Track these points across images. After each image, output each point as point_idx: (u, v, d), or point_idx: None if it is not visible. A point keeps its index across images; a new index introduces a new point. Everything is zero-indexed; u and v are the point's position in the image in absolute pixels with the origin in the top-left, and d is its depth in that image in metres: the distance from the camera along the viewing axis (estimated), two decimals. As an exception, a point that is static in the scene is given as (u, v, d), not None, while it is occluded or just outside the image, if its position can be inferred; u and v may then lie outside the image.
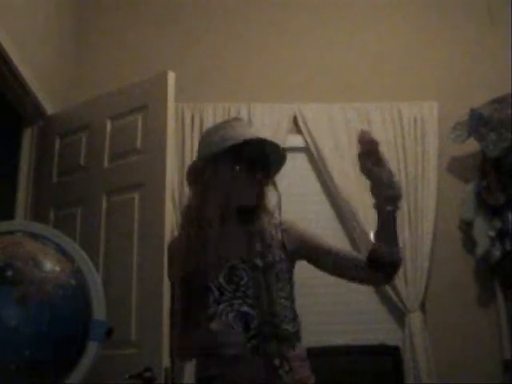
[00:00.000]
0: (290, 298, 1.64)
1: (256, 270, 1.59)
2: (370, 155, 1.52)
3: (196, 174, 1.70)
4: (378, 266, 1.57)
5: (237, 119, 1.81)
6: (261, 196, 1.69)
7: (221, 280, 1.58)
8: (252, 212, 1.68)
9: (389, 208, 1.55)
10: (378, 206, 1.57)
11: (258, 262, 1.60)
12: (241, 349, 1.53)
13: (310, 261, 1.69)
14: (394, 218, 1.57)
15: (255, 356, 1.53)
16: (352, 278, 1.67)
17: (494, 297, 3.05)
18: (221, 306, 1.56)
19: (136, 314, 2.33)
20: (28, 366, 1.28)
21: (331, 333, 3.02)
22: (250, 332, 1.54)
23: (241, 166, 1.65)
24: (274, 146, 1.69)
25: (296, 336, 1.60)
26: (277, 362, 1.53)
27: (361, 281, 1.69)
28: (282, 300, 1.59)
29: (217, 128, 1.73)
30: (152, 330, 2.26)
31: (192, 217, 1.66)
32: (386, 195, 1.54)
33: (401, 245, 2.89)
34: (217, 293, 1.57)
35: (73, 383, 1.38)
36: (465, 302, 3.05)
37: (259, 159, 1.67)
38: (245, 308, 1.56)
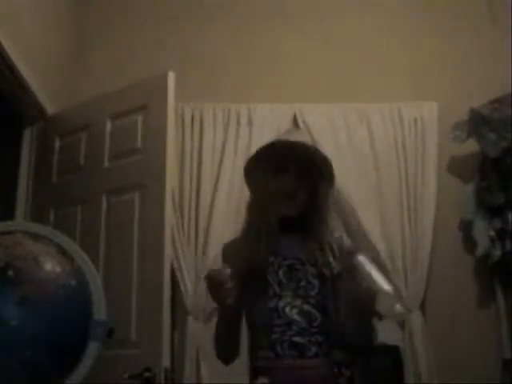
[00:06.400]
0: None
1: (321, 276, 1.60)
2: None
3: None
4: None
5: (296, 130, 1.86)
6: (308, 206, 1.66)
7: (281, 276, 1.60)
8: (302, 220, 1.67)
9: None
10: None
11: (323, 268, 1.61)
12: (304, 347, 1.54)
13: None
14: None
15: (318, 353, 1.54)
16: None
17: (493, 297, 3.04)
18: (282, 301, 1.58)
19: (136, 314, 2.33)
20: (28, 366, 1.28)
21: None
22: (313, 329, 1.56)
23: (270, 174, 1.65)
24: (316, 156, 1.65)
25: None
26: (338, 360, 1.55)
27: None
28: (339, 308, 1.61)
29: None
30: (152, 330, 2.26)
31: (247, 215, 1.71)
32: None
33: (399, 243, 2.99)
34: (277, 288, 1.59)
35: (73, 383, 1.38)
36: (465, 301, 3.04)
37: (296, 168, 1.65)
38: (307, 307, 1.57)
